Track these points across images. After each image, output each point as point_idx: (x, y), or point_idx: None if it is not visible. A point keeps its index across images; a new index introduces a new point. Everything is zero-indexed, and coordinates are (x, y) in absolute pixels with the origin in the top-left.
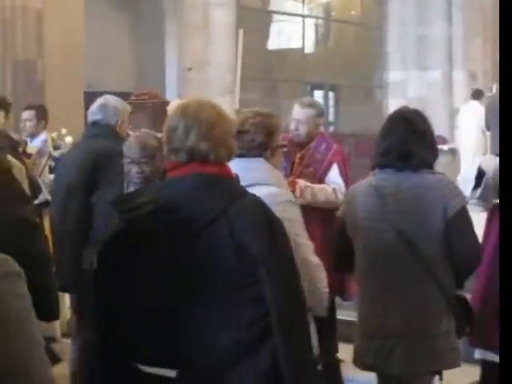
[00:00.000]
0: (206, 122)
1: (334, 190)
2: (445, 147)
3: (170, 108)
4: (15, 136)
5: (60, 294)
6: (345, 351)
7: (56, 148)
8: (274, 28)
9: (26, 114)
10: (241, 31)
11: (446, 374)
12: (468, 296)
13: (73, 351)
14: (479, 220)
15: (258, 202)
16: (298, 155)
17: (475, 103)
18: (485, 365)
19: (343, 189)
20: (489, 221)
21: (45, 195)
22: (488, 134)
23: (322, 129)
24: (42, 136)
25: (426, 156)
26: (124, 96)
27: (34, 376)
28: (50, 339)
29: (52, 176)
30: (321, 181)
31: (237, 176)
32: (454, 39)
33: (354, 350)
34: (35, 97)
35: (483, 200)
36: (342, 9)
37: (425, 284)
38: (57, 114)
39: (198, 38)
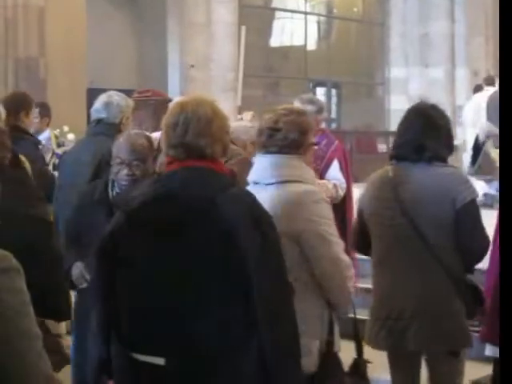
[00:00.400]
0: (203, 119)
1: (335, 185)
2: None
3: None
4: None
5: None
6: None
7: (59, 145)
8: (276, 25)
9: None
10: (243, 28)
11: None
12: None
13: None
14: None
15: (246, 195)
16: None
17: (479, 95)
18: (497, 362)
19: (344, 184)
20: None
21: None
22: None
23: (323, 125)
24: (46, 133)
25: (440, 150)
26: (126, 93)
27: (30, 369)
28: (57, 337)
29: (56, 173)
30: (322, 177)
31: (232, 172)
32: (456, 37)
33: (366, 332)
34: (37, 94)
35: (482, 171)
36: (344, 6)
37: (434, 269)
38: (59, 111)
39: (200, 36)
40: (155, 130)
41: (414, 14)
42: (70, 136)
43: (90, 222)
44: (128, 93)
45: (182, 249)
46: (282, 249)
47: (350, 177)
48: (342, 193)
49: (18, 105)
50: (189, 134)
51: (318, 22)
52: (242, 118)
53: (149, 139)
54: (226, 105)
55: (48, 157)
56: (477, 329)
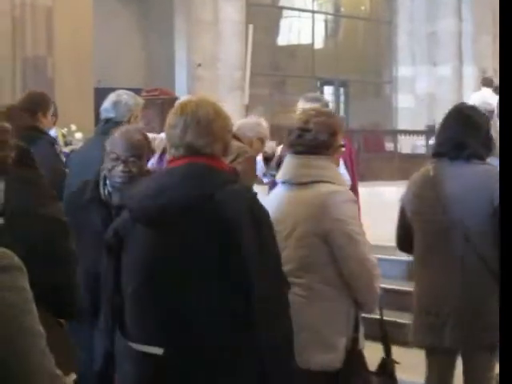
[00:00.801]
0: (204, 120)
1: None
2: None
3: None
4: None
5: None
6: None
7: (67, 144)
8: (283, 24)
9: None
10: (250, 27)
11: None
12: None
13: None
14: None
15: (246, 192)
16: None
17: (487, 90)
18: None
19: (348, 182)
20: None
21: None
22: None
23: None
24: (53, 132)
25: (478, 148)
26: (134, 92)
27: (34, 367)
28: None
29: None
30: None
31: (234, 169)
32: (463, 35)
33: (410, 328)
34: None
35: None
36: (351, 4)
37: (476, 267)
38: (66, 110)
39: (207, 34)
40: (162, 129)
41: (421, 12)
42: (78, 135)
43: (82, 222)
44: (136, 91)
45: (182, 246)
46: (278, 248)
47: (356, 176)
48: None
49: (36, 105)
50: (188, 135)
51: (326, 21)
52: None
53: (145, 136)
54: (233, 103)
55: None
56: None
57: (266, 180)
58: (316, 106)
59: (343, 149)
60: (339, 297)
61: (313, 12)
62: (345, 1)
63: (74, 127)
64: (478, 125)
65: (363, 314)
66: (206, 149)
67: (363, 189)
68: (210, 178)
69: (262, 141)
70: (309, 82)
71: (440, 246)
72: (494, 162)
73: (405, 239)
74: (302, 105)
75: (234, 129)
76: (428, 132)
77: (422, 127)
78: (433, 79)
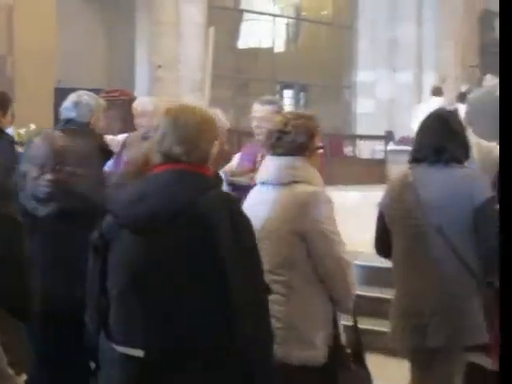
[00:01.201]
0: (182, 128)
1: None
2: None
3: (136, 105)
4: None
5: None
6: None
7: (22, 144)
8: (244, 27)
9: None
10: (212, 29)
11: None
12: None
13: None
14: None
15: (225, 197)
16: (260, 154)
17: (438, 99)
18: None
19: None
20: None
21: None
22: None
23: None
24: (10, 131)
25: (457, 152)
26: (94, 93)
27: None
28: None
29: None
30: None
31: (217, 174)
32: (424, 42)
33: (390, 332)
34: None
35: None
36: (313, 8)
37: (455, 269)
38: (26, 110)
39: (168, 36)
40: (121, 131)
41: (382, 17)
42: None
43: None
44: (96, 92)
45: (165, 250)
46: (259, 253)
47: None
48: None
49: None
50: (166, 142)
51: (287, 25)
52: None
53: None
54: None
55: None
56: None
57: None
58: (270, 108)
59: (321, 150)
60: (317, 294)
61: (274, 16)
62: (306, 5)
63: (33, 126)
64: (456, 129)
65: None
66: (183, 156)
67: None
68: (189, 184)
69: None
70: (270, 86)
71: (419, 249)
72: (471, 165)
73: (383, 243)
74: (257, 108)
75: None
76: (387, 137)
77: (381, 132)
78: (393, 85)
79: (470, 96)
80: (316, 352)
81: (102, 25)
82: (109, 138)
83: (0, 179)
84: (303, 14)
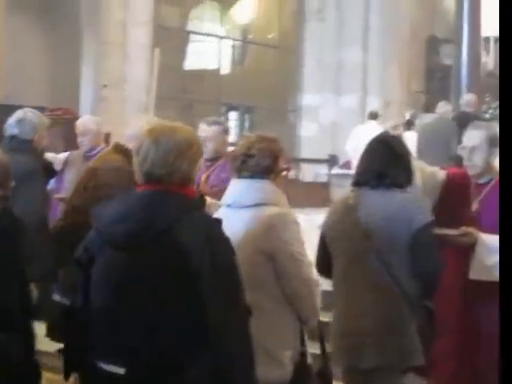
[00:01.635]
0: (162, 150)
1: None
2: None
3: (78, 123)
4: None
5: None
6: None
7: None
8: (191, 48)
9: None
10: (157, 50)
11: None
12: None
13: None
14: None
15: (205, 219)
16: (204, 175)
17: (373, 122)
18: None
19: None
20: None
21: None
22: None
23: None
24: None
25: (399, 177)
26: (39, 111)
27: None
28: None
29: None
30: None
31: (200, 195)
32: (370, 66)
33: (331, 350)
34: None
35: None
36: (260, 31)
37: (391, 292)
38: None
39: (115, 56)
40: (65, 149)
41: (328, 41)
42: None
43: None
44: (41, 110)
45: (144, 266)
46: (239, 275)
47: None
48: None
49: None
50: (147, 164)
51: (233, 47)
52: None
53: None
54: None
55: None
56: None
57: None
58: (216, 128)
59: (285, 172)
60: (285, 313)
61: (220, 37)
62: (253, 27)
63: None
64: (400, 154)
65: None
66: (164, 177)
67: None
68: (170, 205)
69: None
70: (215, 107)
71: (357, 271)
72: (413, 189)
73: (324, 264)
74: (204, 127)
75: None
76: (331, 161)
77: (324, 156)
78: (337, 108)
79: (420, 123)
80: (283, 371)
81: (48, 42)
82: (51, 155)
83: None
84: (250, 36)
